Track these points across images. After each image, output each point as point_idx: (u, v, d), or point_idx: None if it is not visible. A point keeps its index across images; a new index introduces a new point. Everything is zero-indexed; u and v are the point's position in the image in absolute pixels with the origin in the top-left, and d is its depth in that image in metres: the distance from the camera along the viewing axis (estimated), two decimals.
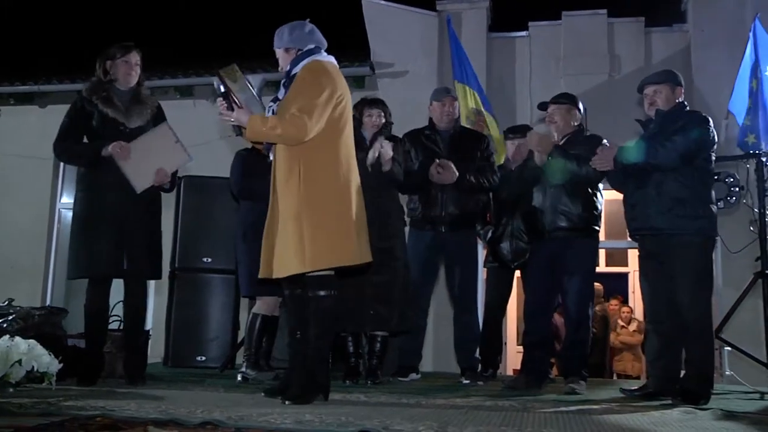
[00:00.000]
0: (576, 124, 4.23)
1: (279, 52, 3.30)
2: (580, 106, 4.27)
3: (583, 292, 4.14)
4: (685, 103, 3.82)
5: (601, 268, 9.85)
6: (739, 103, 5.39)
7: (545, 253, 4.13)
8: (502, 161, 5.07)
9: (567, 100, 4.25)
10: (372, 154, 4.17)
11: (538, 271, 4.19)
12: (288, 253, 3.03)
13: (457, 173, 4.41)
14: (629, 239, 4.06)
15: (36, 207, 8.48)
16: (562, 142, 4.17)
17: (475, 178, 4.49)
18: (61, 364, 3.23)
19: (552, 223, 4.07)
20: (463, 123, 5.67)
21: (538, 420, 2.76)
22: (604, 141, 4.10)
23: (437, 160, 4.44)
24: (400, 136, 4.71)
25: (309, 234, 3.01)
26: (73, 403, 2.71)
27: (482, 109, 6.32)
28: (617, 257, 10.32)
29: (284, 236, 3.05)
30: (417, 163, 4.57)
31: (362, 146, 4.15)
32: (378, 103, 4.46)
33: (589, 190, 4.13)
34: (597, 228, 4.21)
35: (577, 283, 4.10)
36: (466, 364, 4.59)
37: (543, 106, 4.29)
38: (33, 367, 3.09)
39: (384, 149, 4.15)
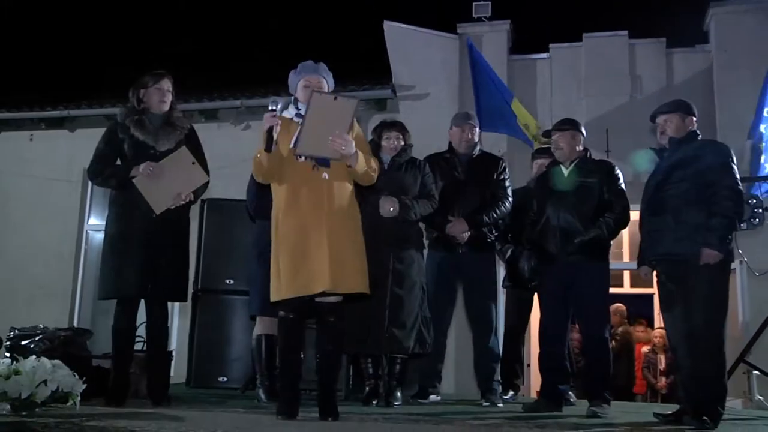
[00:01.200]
0: (580, 148, 4.26)
1: (324, 85, 3.49)
2: (583, 130, 4.33)
3: (600, 315, 4.17)
4: (698, 132, 3.84)
5: (626, 289, 9.78)
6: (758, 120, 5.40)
7: (558, 278, 4.12)
8: None
9: (570, 125, 4.29)
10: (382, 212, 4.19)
11: (551, 296, 4.19)
12: (358, 272, 3.29)
13: (468, 230, 4.47)
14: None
15: (64, 229, 8.66)
16: (570, 167, 4.21)
17: (488, 216, 4.52)
18: (85, 384, 3.28)
19: (566, 247, 4.06)
20: (532, 135, 5.73)
21: None
22: (617, 169, 4.19)
23: (450, 218, 4.49)
24: (421, 158, 4.76)
25: (365, 259, 3.37)
26: (96, 423, 2.75)
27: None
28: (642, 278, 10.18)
29: (353, 256, 3.28)
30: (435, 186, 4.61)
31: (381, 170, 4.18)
32: (396, 126, 4.47)
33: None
34: (608, 249, 4.22)
35: (594, 307, 4.11)
36: (486, 387, 4.56)
37: (547, 134, 4.35)
38: (58, 387, 3.14)
39: (385, 208, 4.17)
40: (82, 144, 8.96)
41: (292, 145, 3.28)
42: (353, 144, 3.30)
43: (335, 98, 3.24)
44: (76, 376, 3.25)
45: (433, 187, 4.44)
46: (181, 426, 2.82)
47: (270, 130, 3.24)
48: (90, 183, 8.99)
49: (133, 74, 4.20)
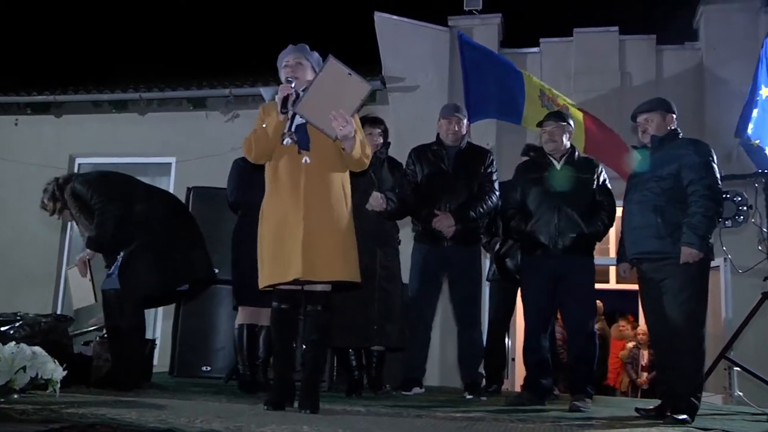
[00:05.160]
0: (568, 144, 4.28)
1: (307, 65, 3.40)
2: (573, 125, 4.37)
3: (588, 310, 4.21)
4: (678, 130, 3.86)
5: (611, 285, 9.83)
6: (747, 118, 5.45)
7: (547, 272, 4.13)
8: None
9: (566, 120, 4.32)
10: (369, 207, 4.25)
11: (538, 290, 4.19)
12: (337, 260, 3.21)
13: (454, 224, 4.46)
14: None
15: (50, 216, 8.57)
16: (562, 163, 4.22)
17: (476, 212, 4.51)
18: (66, 372, 3.25)
19: (561, 241, 4.07)
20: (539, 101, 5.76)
21: None
22: (600, 167, 4.26)
23: (436, 212, 4.49)
24: (410, 149, 4.77)
25: (351, 247, 3.28)
26: (75, 411, 2.73)
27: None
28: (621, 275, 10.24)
29: (331, 244, 3.20)
30: (420, 177, 4.63)
31: None
32: (379, 123, 4.51)
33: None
34: (595, 244, 4.26)
35: (583, 301, 4.14)
36: (470, 379, 4.58)
37: (540, 124, 4.35)
38: (37, 373, 3.11)
39: (373, 205, 4.23)
40: (69, 130, 8.94)
41: (289, 106, 3.19)
42: (353, 127, 3.20)
43: (350, 74, 3.12)
44: (56, 363, 3.22)
45: (405, 190, 4.48)
46: (162, 414, 2.80)
47: (285, 99, 3.20)
48: (76, 169, 8.94)
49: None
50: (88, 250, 4.07)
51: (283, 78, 3.38)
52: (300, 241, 3.13)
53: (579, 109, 6.15)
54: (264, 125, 3.27)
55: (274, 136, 3.24)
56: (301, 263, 3.12)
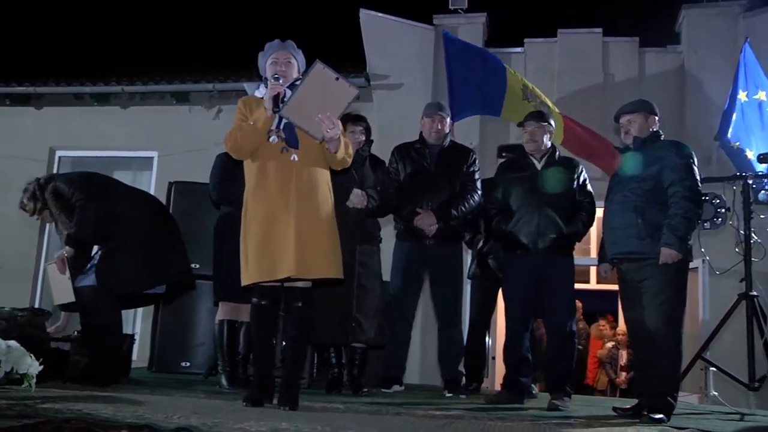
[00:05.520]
0: (549, 144, 4.30)
1: (294, 62, 3.42)
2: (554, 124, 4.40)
3: (568, 309, 4.24)
4: (660, 132, 3.91)
5: (592, 285, 9.90)
6: (727, 121, 5.53)
7: (528, 271, 4.15)
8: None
9: (547, 120, 4.33)
10: (350, 204, 4.23)
11: (518, 289, 4.21)
12: (327, 257, 3.24)
13: (436, 223, 4.46)
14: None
15: (29, 217, 8.46)
16: (543, 161, 4.24)
17: (458, 210, 4.52)
18: (42, 366, 3.22)
19: (542, 241, 4.09)
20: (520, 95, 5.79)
21: None
22: (581, 167, 4.27)
23: (418, 210, 4.49)
24: (393, 147, 4.77)
25: (337, 244, 3.32)
26: (50, 406, 2.71)
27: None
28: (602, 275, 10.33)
29: (321, 241, 3.22)
30: (403, 175, 4.63)
31: None
32: (361, 121, 4.49)
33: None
34: (574, 244, 4.28)
35: (562, 301, 4.16)
36: (450, 377, 4.59)
37: (521, 124, 4.37)
38: (12, 368, 3.08)
39: (354, 202, 4.22)
40: (50, 122, 8.83)
41: (273, 109, 3.20)
42: (339, 129, 3.24)
43: (337, 78, 3.15)
44: (33, 358, 3.19)
45: (388, 187, 4.46)
46: (139, 410, 2.79)
47: (276, 97, 3.20)
48: (56, 162, 8.85)
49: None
50: (66, 248, 4.03)
51: (269, 73, 3.37)
52: (293, 239, 3.14)
53: (559, 113, 6.18)
54: (251, 122, 3.25)
55: (262, 133, 3.24)
56: (295, 261, 3.13)
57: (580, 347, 8.24)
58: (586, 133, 6.08)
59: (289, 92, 3.23)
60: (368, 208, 4.30)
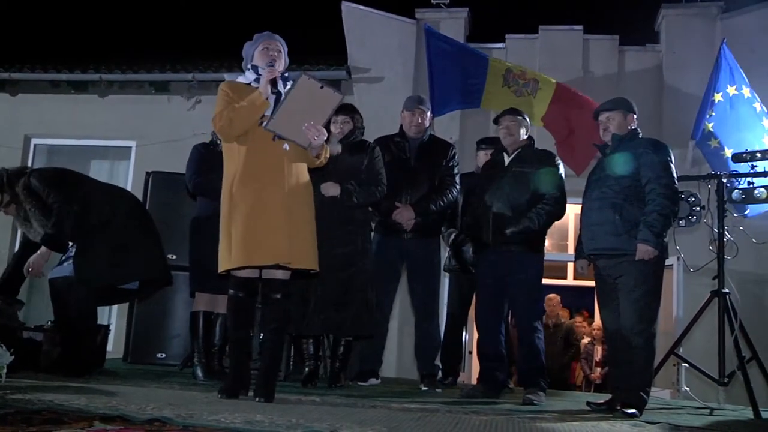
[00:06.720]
0: (525, 137, 4.31)
1: (283, 53, 3.45)
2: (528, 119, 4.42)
3: (536, 305, 4.31)
4: (638, 129, 3.95)
5: (569, 281, 9.99)
6: (701, 121, 5.58)
7: (493, 266, 4.18)
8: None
9: (521, 115, 4.35)
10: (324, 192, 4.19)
11: (487, 284, 4.23)
12: (312, 249, 3.30)
13: (414, 217, 4.47)
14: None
15: None
16: (513, 156, 4.25)
17: (436, 205, 4.52)
18: (13, 356, 3.18)
19: (499, 237, 4.10)
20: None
21: (487, 426, 2.79)
22: (558, 160, 4.27)
23: (397, 204, 4.49)
24: (372, 140, 4.74)
25: (315, 238, 3.35)
26: (21, 396, 2.67)
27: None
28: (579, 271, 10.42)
29: (308, 231, 3.28)
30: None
31: None
32: (344, 110, 4.42)
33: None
34: (543, 240, 4.31)
35: (527, 297, 4.18)
36: (426, 371, 4.61)
37: (496, 121, 4.38)
38: None
39: (324, 191, 4.18)
40: (25, 110, 8.69)
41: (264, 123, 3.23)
42: (325, 136, 3.29)
43: (322, 87, 3.19)
44: (3, 348, 3.14)
45: (382, 173, 4.37)
46: (112, 401, 2.76)
47: (273, 81, 3.24)
48: (31, 150, 8.72)
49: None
50: (43, 248, 3.96)
51: (261, 59, 3.36)
52: (285, 225, 3.15)
53: (554, 82, 6.22)
54: (245, 103, 3.22)
55: (258, 113, 3.24)
56: (287, 249, 3.13)
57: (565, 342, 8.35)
58: (576, 118, 6.10)
59: (272, 109, 3.24)
60: (354, 200, 4.25)
